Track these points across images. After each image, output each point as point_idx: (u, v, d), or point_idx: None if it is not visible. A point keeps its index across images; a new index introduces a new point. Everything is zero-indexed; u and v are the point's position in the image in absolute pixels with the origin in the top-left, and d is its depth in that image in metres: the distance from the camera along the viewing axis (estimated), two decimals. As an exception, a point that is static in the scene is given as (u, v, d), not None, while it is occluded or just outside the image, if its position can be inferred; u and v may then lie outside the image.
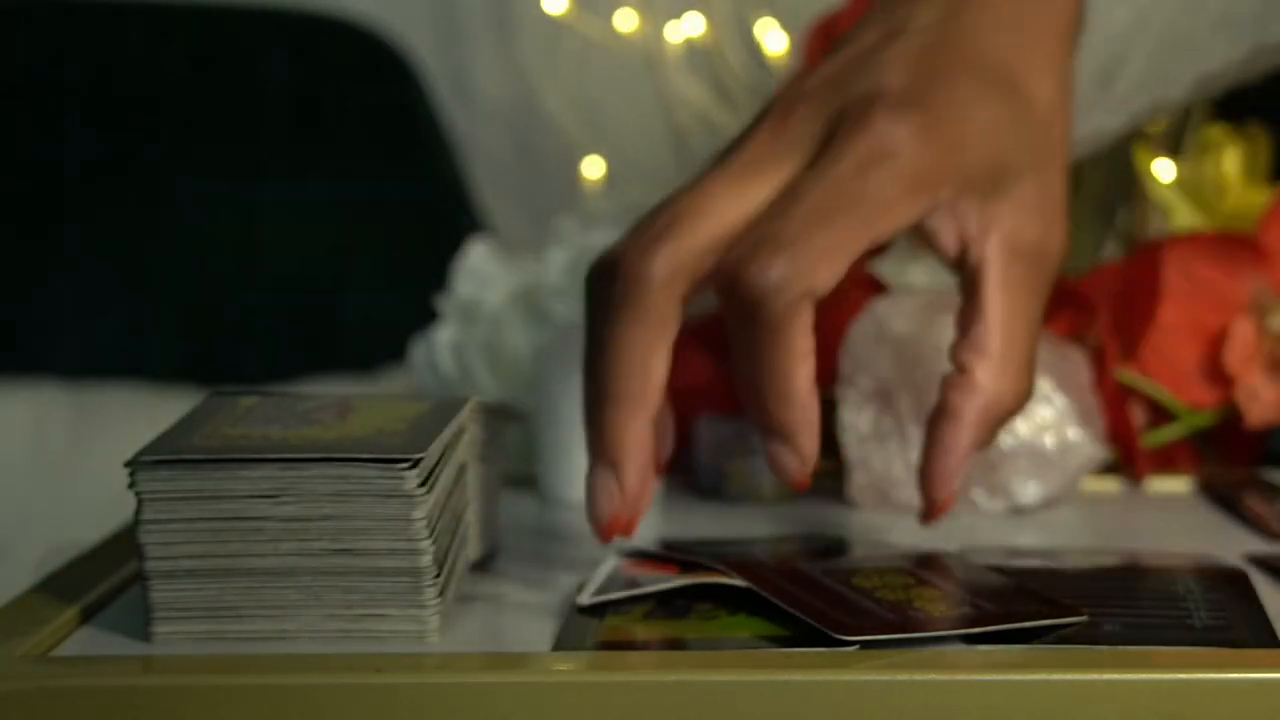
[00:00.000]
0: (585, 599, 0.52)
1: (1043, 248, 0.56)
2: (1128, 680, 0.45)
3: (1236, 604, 0.52)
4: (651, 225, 0.55)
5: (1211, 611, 0.51)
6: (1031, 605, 0.50)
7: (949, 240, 0.56)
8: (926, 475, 0.56)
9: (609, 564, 0.55)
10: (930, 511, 0.57)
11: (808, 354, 0.53)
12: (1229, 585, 0.53)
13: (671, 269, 0.53)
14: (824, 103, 0.56)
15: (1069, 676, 0.45)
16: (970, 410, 0.55)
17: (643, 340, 0.53)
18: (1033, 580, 0.54)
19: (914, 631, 0.48)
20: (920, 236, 0.56)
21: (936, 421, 0.56)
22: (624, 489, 0.54)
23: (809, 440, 0.54)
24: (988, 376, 0.55)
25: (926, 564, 0.55)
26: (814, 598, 0.50)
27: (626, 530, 0.55)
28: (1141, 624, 0.50)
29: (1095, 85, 0.64)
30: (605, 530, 0.55)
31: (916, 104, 0.55)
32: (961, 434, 0.55)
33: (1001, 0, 0.59)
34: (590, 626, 0.50)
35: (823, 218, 0.53)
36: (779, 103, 0.57)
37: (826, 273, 0.52)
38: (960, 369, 0.56)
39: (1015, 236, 0.56)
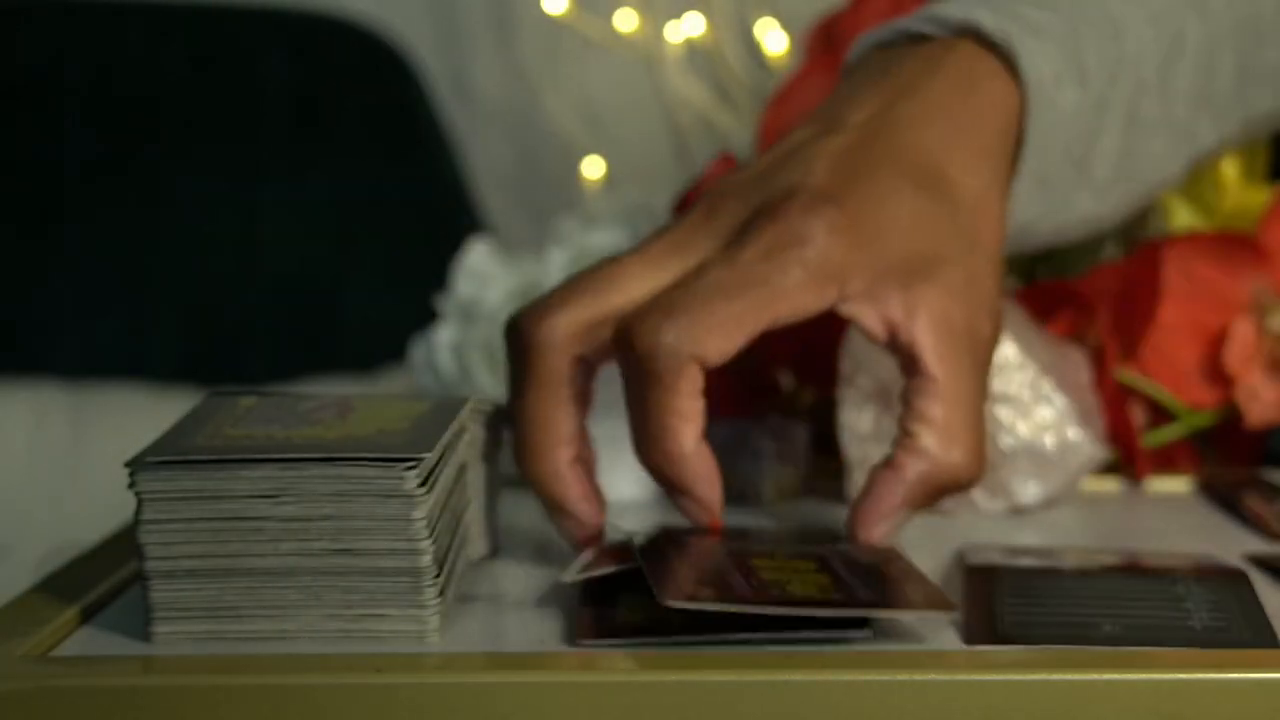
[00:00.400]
0: (570, 576, 0.53)
1: (973, 331, 0.58)
2: (1128, 680, 0.45)
3: (1236, 604, 0.52)
4: (556, 292, 0.58)
5: (1211, 612, 0.51)
6: (904, 596, 0.51)
7: (874, 325, 0.57)
8: (853, 515, 0.58)
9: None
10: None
11: (693, 416, 0.55)
12: (1229, 585, 0.53)
13: (564, 334, 0.57)
14: (748, 198, 0.58)
15: (1069, 676, 0.45)
16: (911, 470, 0.57)
17: (543, 400, 0.57)
18: (1033, 580, 0.54)
19: (730, 603, 0.48)
20: (847, 320, 0.58)
21: (877, 470, 0.58)
22: (575, 516, 0.58)
23: (705, 490, 0.56)
24: (933, 443, 0.57)
25: (853, 555, 0.55)
26: (686, 565, 0.52)
27: (595, 540, 0.58)
28: (1141, 624, 0.50)
29: (1071, 168, 0.64)
30: (580, 546, 0.58)
31: (832, 199, 0.57)
32: (896, 487, 0.57)
33: (933, 96, 0.61)
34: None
35: (721, 293, 0.55)
36: (708, 195, 0.60)
37: (718, 343, 0.55)
38: (906, 433, 0.57)
39: (944, 318, 0.57)
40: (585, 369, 0.58)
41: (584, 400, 0.58)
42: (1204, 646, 0.48)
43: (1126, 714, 0.45)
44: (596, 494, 0.58)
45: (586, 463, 0.59)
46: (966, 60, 0.62)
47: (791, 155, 0.60)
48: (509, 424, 0.60)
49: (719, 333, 0.55)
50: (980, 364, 0.58)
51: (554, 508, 0.58)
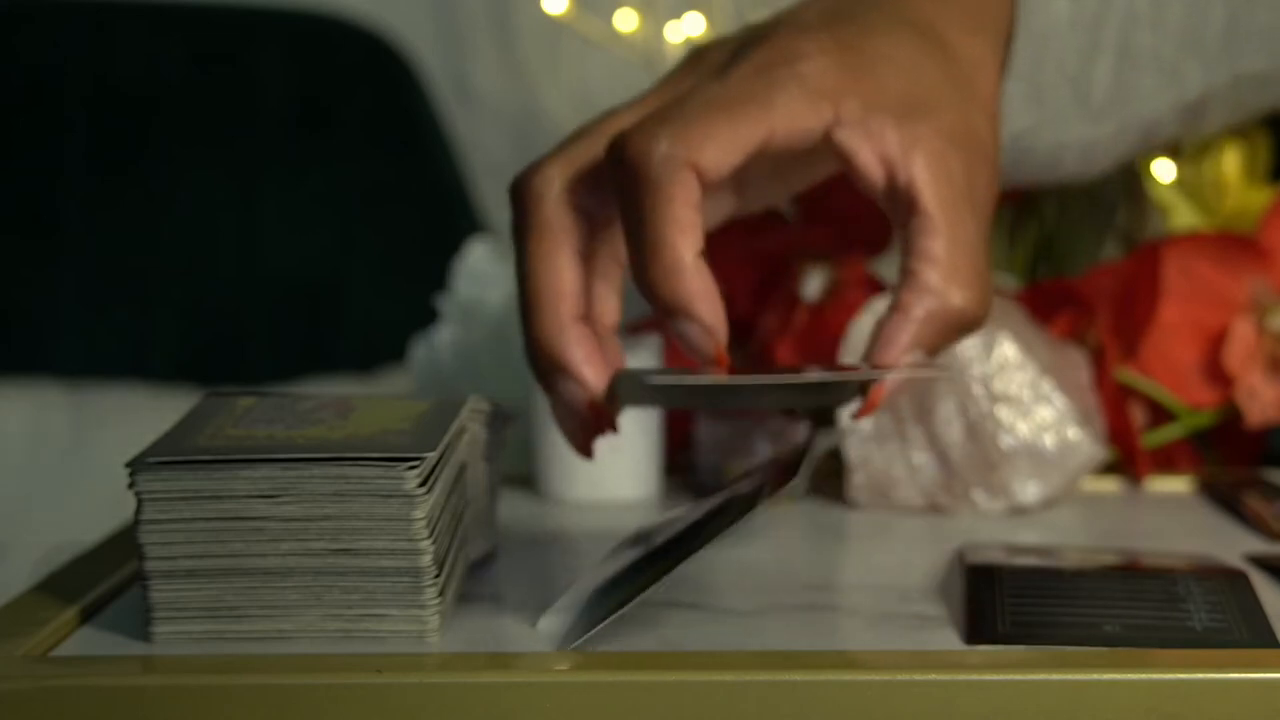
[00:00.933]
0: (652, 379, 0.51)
1: (971, 178, 0.56)
2: (1128, 680, 0.45)
3: (1236, 604, 0.52)
4: (555, 147, 0.57)
5: (1211, 612, 0.51)
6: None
7: (870, 161, 0.55)
8: (865, 362, 0.56)
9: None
10: (866, 404, 0.56)
11: (692, 226, 0.52)
12: (1229, 585, 0.53)
13: (559, 181, 0.55)
14: (737, 38, 0.57)
15: (1069, 676, 0.45)
16: (918, 307, 0.54)
17: (544, 252, 0.55)
18: (1033, 579, 0.54)
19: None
20: (841, 160, 0.56)
21: (883, 316, 0.55)
22: (584, 384, 0.54)
23: (708, 309, 0.52)
24: (937, 279, 0.54)
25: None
26: None
27: (589, 440, 0.55)
28: (1141, 624, 0.50)
29: (1066, 84, 0.64)
30: (582, 442, 0.55)
31: (824, 27, 0.56)
32: (905, 326, 0.54)
33: None
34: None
35: (716, 105, 0.53)
36: (693, 50, 0.59)
37: (714, 152, 0.52)
38: (909, 273, 0.55)
39: (941, 160, 0.55)
40: (587, 222, 0.56)
41: (589, 258, 0.56)
42: (1204, 647, 0.48)
43: (1126, 714, 0.45)
44: (602, 361, 0.55)
45: (598, 325, 0.56)
46: None
47: (781, 13, 0.59)
48: (514, 419, 0.60)
49: (716, 142, 0.52)
50: (979, 213, 0.56)
51: (554, 368, 0.55)
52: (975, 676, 0.45)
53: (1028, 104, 0.64)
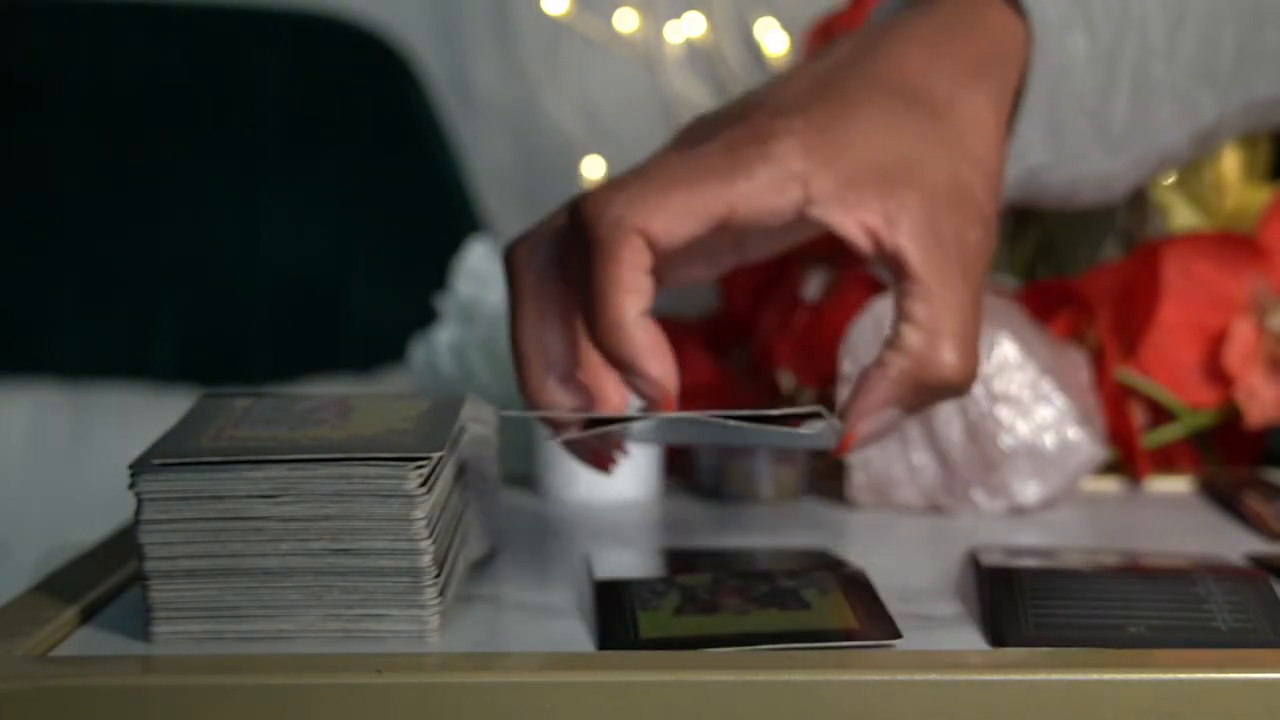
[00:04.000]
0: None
1: (961, 237, 0.56)
2: (1128, 680, 0.45)
3: (1258, 604, 0.52)
4: (545, 217, 0.59)
5: (1234, 612, 0.51)
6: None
7: (855, 232, 0.56)
8: (842, 415, 0.57)
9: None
10: (841, 444, 0.57)
11: (639, 290, 0.54)
12: (1249, 586, 0.53)
13: (542, 253, 0.58)
14: (719, 115, 0.59)
15: (1069, 676, 0.45)
16: (894, 367, 0.56)
17: (525, 320, 0.58)
18: (1053, 581, 0.54)
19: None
20: (834, 240, 0.57)
21: (866, 369, 0.57)
22: (572, 424, 0.57)
23: (654, 365, 0.54)
24: (917, 340, 0.55)
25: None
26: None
27: (607, 455, 0.58)
28: (1166, 625, 0.50)
29: (1084, 119, 0.64)
30: (597, 459, 0.59)
31: (799, 109, 0.57)
32: (880, 384, 0.56)
33: (922, 26, 0.61)
34: (627, 620, 0.50)
35: (677, 179, 0.55)
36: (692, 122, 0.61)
37: (665, 220, 0.54)
38: (893, 333, 0.56)
39: (928, 223, 0.56)
40: (570, 288, 0.58)
41: (573, 320, 0.58)
42: (1230, 647, 0.48)
43: (1126, 714, 0.45)
44: (581, 408, 0.58)
45: (594, 373, 0.59)
46: (970, 1, 0.62)
47: (769, 83, 0.60)
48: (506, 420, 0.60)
49: (668, 211, 0.54)
50: (970, 272, 0.57)
51: (548, 421, 0.58)
52: (975, 676, 0.45)
53: (1046, 139, 0.64)
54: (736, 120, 0.58)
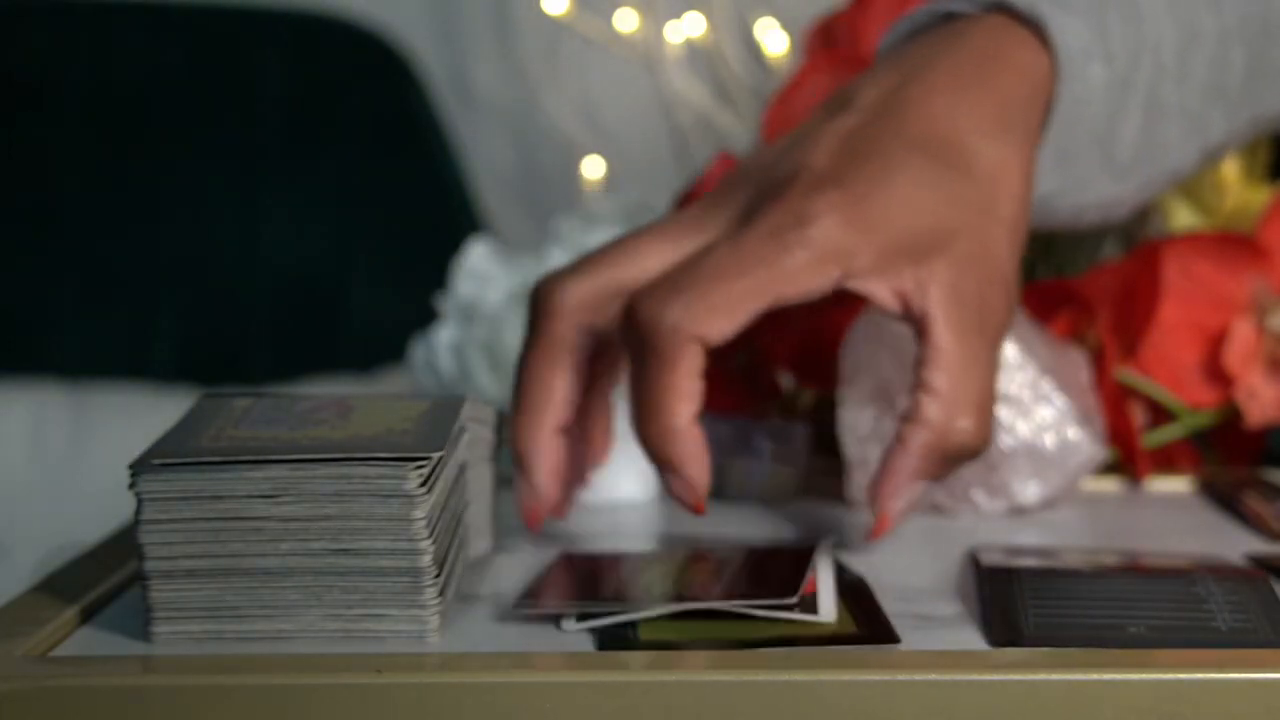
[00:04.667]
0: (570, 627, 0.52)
1: (984, 302, 0.58)
2: (1128, 680, 0.45)
3: (1258, 604, 0.52)
4: (578, 261, 0.60)
5: (1234, 612, 0.51)
6: (752, 589, 0.52)
7: (886, 297, 0.58)
8: (868, 495, 0.59)
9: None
10: (873, 529, 0.59)
11: (692, 395, 0.56)
12: (1249, 586, 0.53)
13: (575, 301, 0.59)
14: (757, 181, 0.60)
15: (1069, 676, 0.45)
16: (914, 441, 0.57)
17: (542, 360, 0.59)
18: (1053, 581, 0.54)
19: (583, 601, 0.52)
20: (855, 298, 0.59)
21: (888, 449, 0.59)
22: (533, 486, 0.59)
23: (696, 471, 0.57)
24: (934, 412, 0.57)
25: (754, 554, 0.57)
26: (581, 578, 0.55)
27: (536, 523, 0.60)
28: (1167, 625, 0.50)
29: (1094, 146, 0.64)
30: (528, 522, 0.60)
31: (835, 180, 0.58)
32: (904, 461, 0.58)
33: (949, 68, 0.61)
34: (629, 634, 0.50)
35: (726, 274, 0.56)
36: (724, 178, 0.61)
37: (721, 323, 0.56)
38: (913, 404, 0.58)
39: (954, 290, 0.57)
40: (593, 340, 0.59)
41: (587, 371, 0.60)
42: (1230, 647, 0.48)
43: (1126, 714, 0.45)
44: (565, 472, 0.60)
45: (576, 438, 0.60)
46: (993, 31, 0.62)
47: (801, 138, 0.60)
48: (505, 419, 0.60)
49: (720, 312, 0.56)
50: (990, 336, 0.58)
51: (519, 466, 0.59)
52: (976, 676, 0.45)
53: (1055, 168, 0.64)
54: (772, 194, 0.58)
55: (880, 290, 0.57)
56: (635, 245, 0.59)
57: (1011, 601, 0.52)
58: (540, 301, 0.59)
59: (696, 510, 0.57)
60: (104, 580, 0.55)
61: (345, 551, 0.49)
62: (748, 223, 0.58)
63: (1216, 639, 0.49)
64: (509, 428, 0.60)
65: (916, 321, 0.57)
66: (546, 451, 0.59)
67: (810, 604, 0.51)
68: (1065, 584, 0.54)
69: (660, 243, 0.59)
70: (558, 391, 0.59)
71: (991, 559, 0.57)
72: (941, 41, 0.62)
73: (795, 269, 0.56)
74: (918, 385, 0.57)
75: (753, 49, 0.98)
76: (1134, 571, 0.56)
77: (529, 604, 0.52)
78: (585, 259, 0.60)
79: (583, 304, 0.59)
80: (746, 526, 0.66)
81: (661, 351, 0.55)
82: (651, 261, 0.59)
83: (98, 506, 0.98)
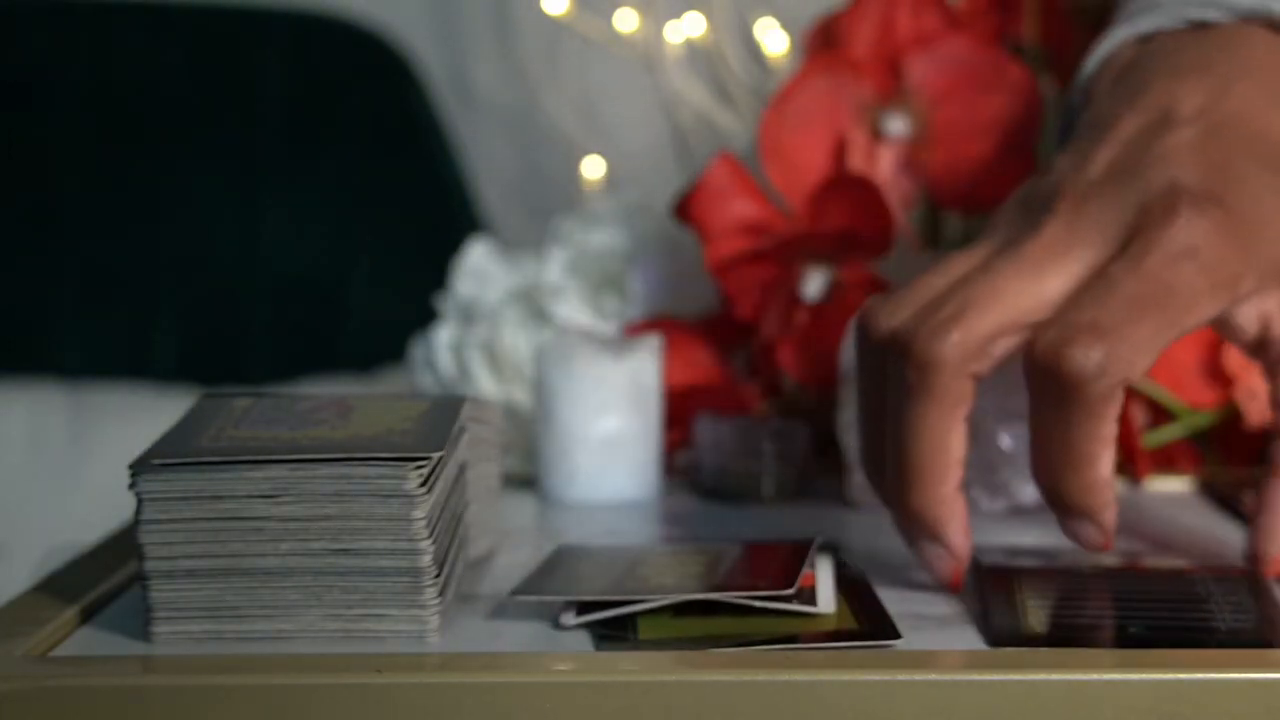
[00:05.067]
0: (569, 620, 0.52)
1: None
2: (1128, 680, 0.45)
3: (1256, 605, 0.52)
4: (941, 309, 0.55)
5: (1234, 613, 0.51)
6: (747, 580, 0.52)
7: (1249, 319, 0.56)
8: (1256, 535, 0.57)
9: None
10: (1262, 566, 0.57)
11: (1113, 440, 0.54)
12: (1246, 586, 0.53)
13: (963, 354, 0.54)
14: (1118, 195, 0.56)
15: (1069, 676, 0.45)
16: None
17: (940, 423, 0.55)
18: (1053, 581, 0.54)
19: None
20: (1219, 327, 0.57)
21: (1265, 479, 0.57)
22: (953, 552, 0.55)
23: (1110, 518, 0.54)
24: None
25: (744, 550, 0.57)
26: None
27: (960, 584, 0.56)
28: (1166, 625, 0.50)
29: None
30: (951, 584, 0.56)
31: (1215, 201, 0.55)
32: None
33: (1264, 75, 0.59)
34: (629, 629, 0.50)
35: (1140, 309, 0.53)
36: (1064, 194, 0.57)
37: (1143, 363, 0.53)
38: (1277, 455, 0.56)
39: None
40: (974, 388, 0.56)
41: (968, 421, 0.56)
42: (1230, 647, 0.48)
43: (1126, 714, 0.45)
44: (968, 528, 0.56)
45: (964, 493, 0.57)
46: (1273, 43, 0.61)
47: (1140, 148, 0.57)
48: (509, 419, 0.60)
49: (1142, 352, 0.53)
50: None
51: (930, 534, 0.55)
52: (976, 676, 0.45)
53: None
54: (1152, 215, 0.55)
55: (1248, 314, 0.56)
56: (1002, 282, 0.55)
57: (1010, 602, 0.52)
58: (922, 358, 0.54)
59: (1106, 547, 0.54)
60: (104, 580, 0.55)
61: (345, 551, 0.49)
62: (1136, 247, 0.54)
63: (1216, 639, 0.49)
64: (898, 490, 0.56)
65: (1274, 345, 0.56)
66: (955, 513, 0.55)
67: (809, 596, 0.51)
68: (1065, 584, 0.54)
69: (1028, 277, 0.55)
70: (955, 451, 0.55)
71: (991, 559, 0.57)
72: (1222, 48, 0.61)
73: (1195, 297, 0.54)
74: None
75: (753, 49, 0.98)
76: (1133, 572, 0.56)
77: (526, 593, 0.52)
78: (948, 305, 0.55)
79: (967, 356, 0.54)
80: (746, 526, 0.66)
81: (1090, 400, 0.52)
82: (1024, 298, 0.55)
83: (98, 506, 0.98)
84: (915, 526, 0.56)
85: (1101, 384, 0.52)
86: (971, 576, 0.56)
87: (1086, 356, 0.52)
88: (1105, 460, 0.53)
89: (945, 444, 0.55)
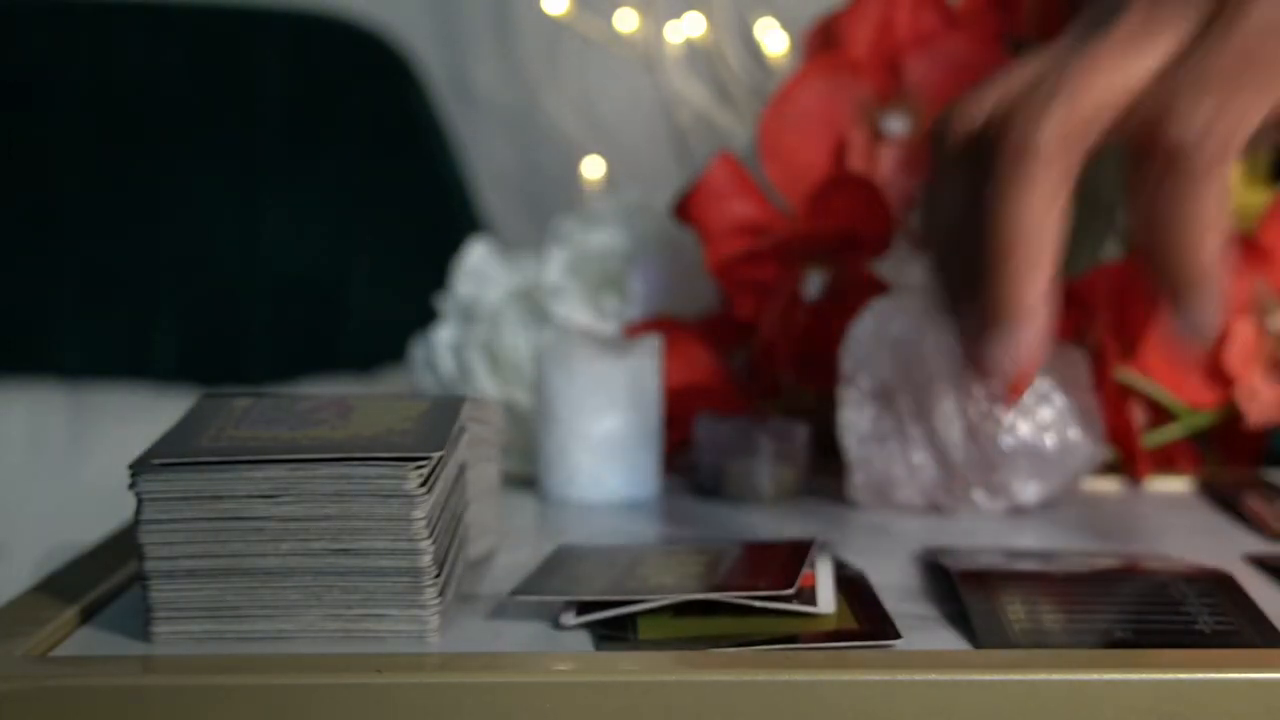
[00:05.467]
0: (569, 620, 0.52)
1: None
2: (1128, 680, 0.45)
3: (1234, 606, 0.52)
4: (1037, 90, 0.53)
5: (1213, 615, 0.51)
6: (746, 581, 0.51)
7: None
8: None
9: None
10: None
11: (1225, 212, 0.52)
12: (1218, 587, 0.53)
13: (1062, 136, 0.52)
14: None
15: (1069, 676, 0.45)
16: None
17: (1037, 208, 0.52)
18: (1035, 584, 0.54)
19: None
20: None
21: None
22: (1020, 347, 0.54)
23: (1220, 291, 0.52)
24: None
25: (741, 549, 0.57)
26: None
27: (1019, 390, 0.54)
28: (1149, 629, 0.49)
29: None
30: (1013, 387, 0.54)
31: None
32: None
33: None
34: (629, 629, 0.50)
35: (1235, 76, 0.51)
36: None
37: (1247, 124, 0.51)
38: None
39: None
40: (1075, 170, 0.54)
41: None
42: (1216, 649, 0.48)
43: (1126, 714, 0.45)
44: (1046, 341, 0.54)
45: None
46: None
47: None
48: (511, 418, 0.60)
49: (1248, 112, 0.51)
50: None
51: (1014, 321, 0.53)
52: (975, 676, 0.45)
53: None
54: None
55: None
56: (1095, 63, 0.53)
57: (995, 605, 0.52)
58: (1020, 141, 0.52)
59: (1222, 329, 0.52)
60: (104, 580, 0.55)
61: (345, 551, 0.49)
62: (1224, 21, 0.52)
63: (1200, 641, 0.48)
64: (989, 275, 0.53)
65: None
66: (1036, 311, 0.53)
67: (809, 596, 0.51)
68: (1045, 587, 0.53)
69: (1119, 56, 0.53)
70: (1051, 243, 0.53)
71: (987, 560, 0.57)
72: None
73: None
74: None
75: (753, 49, 0.98)
76: (1112, 574, 0.56)
77: (527, 593, 0.52)
78: (1041, 85, 0.53)
79: (1066, 139, 0.52)
80: (746, 527, 0.66)
81: (1202, 163, 0.50)
82: (1119, 76, 0.53)
83: (98, 506, 0.98)
84: (1000, 312, 0.53)
85: (1211, 142, 0.51)
86: (942, 579, 0.56)
87: (1194, 111, 0.51)
88: (1219, 232, 0.51)
89: (1047, 228, 0.53)
